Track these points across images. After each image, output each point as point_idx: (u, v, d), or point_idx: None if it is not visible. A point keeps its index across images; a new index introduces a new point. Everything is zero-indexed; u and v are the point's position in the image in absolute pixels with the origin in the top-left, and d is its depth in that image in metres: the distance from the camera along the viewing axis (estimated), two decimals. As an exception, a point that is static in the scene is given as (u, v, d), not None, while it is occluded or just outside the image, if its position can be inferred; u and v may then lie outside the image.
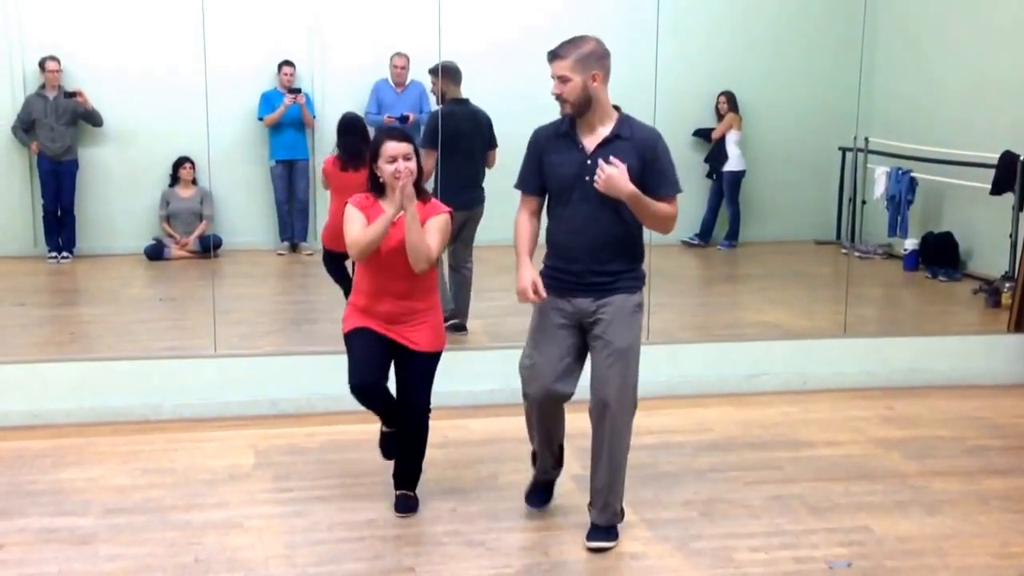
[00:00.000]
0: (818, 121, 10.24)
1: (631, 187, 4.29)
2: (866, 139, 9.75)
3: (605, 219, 4.40)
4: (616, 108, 4.50)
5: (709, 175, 10.69)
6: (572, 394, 4.63)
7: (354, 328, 4.82)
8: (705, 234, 10.59)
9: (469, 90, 7.55)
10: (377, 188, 4.80)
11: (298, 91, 9.60)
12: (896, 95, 10.22)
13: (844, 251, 10.00)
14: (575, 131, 4.48)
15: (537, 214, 4.65)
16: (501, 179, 7.79)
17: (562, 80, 4.38)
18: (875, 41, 8.98)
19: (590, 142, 4.45)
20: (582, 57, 4.36)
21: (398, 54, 9.58)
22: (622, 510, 4.70)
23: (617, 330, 4.46)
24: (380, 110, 9.55)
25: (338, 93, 9.87)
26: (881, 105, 10.10)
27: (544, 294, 4.45)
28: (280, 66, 9.86)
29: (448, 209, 4.84)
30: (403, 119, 9.17)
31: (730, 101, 10.54)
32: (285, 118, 9.71)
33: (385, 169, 4.69)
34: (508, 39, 9.33)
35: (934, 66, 10.13)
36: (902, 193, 9.89)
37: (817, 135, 10.31)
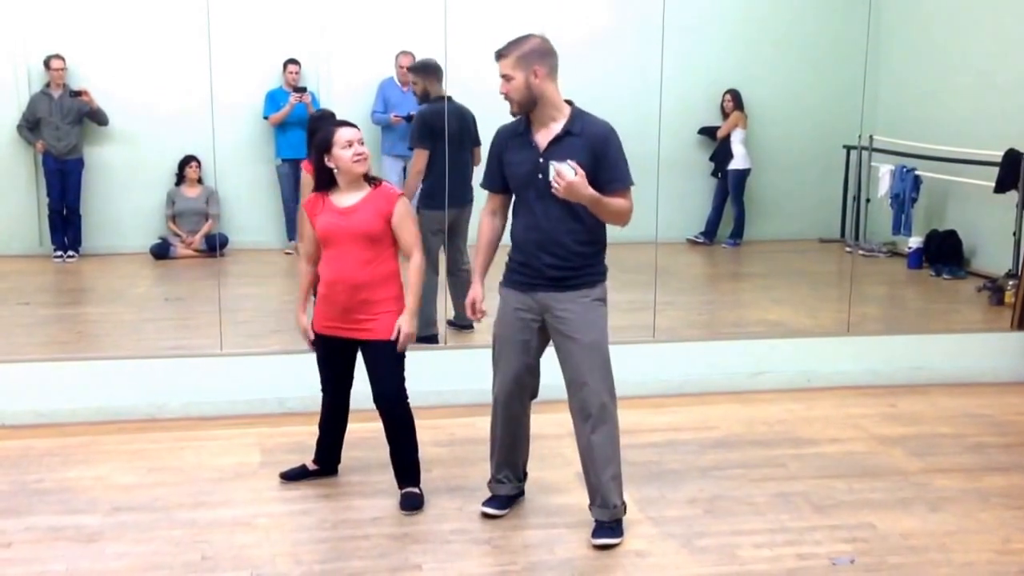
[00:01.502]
0: (823, 119, 10.25)
1: (590, 191, 4.33)
2: (870, 137, 9.75)
3: (561, 216, 4.46)
4: (569, 103, 4.54)
5: (714, 173, 10.70)
6: (536, 389, 4.79)
7: (317, 333, 5.02)
8: (710, 232, 10.60)
9: (474, 89, 7.53)
10: (328, 182, 4.88)
11: (304, 90, 9.62)
12: (900, 93, 10.24)
13: (848, 249, 10.00)
14: (530, 129, 4.55)
15: (499, 212, 4.76)
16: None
17: (506, 79, 4.48)
18: (880, 39, 8.98)
19: (543, 139, 4.51)
20: (523, 55, 4.44)
21: (403, 53, 9.58)
22: (624, 504, 4.71)
23: (582, 326, 4.52)
24: (386, 109, 9.58)
25: (344, 91, 9.90)
26: (885, 103, 10.11)
27: (480, 316, 4.78)
28: (285, 64, 9.89)
29: (400, 191, 4.95)
30: (409, 118, 9.19)
31: (735, 99, 10.55)
32: (291, 117, 9.73)
33: (342, 156, 4.77)
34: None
35: (938, 64, 10.14)
36: (906, 191, 9.90)
37: (822, 133, 10.32)
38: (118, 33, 9.57)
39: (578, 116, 4.51)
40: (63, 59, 9.61)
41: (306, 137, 6.95)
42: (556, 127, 4.49)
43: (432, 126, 7.10)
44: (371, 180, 4.88)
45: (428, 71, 7.25)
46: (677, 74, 7.58)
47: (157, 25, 9.42)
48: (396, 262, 4.93)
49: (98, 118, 9.74)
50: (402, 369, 4.94)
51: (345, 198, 4.85)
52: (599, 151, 4.44)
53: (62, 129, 9.60)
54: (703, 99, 10.61)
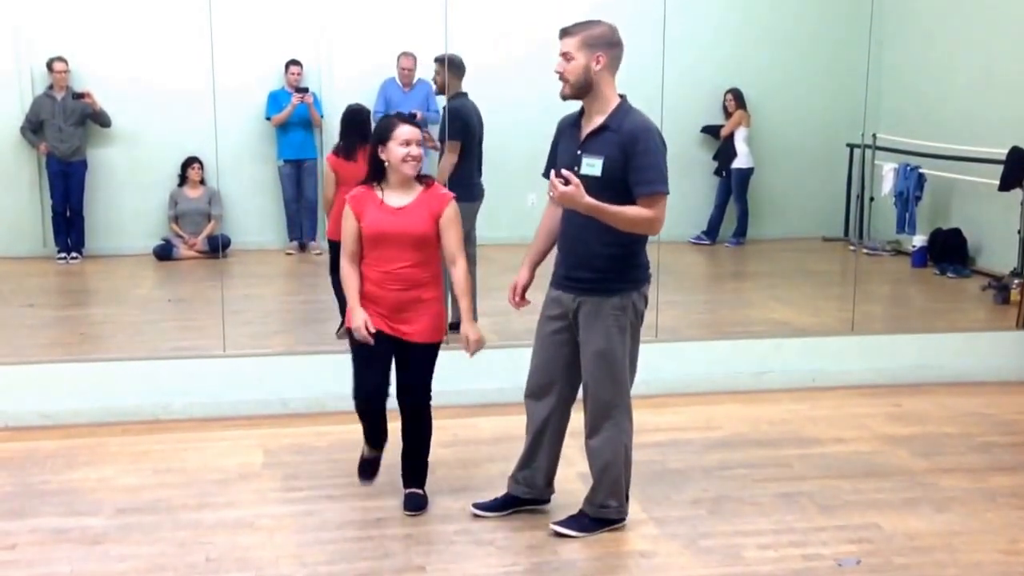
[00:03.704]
0: (826, 118, 10.25)
1: (587, 201, 4.21)
2: (874, 135, 9.74)
3: (588, 217, 4.32)
4: (622, 97, 4.45)
5: (717, 172, 10.70)
6: (567, 395, 4.71)
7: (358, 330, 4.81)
8: (712, 232, 10.59)
9: (477, 90, 7.54)
10: (378, 174, 4.77)
11: (306, 90, 9.63)
12: (904, 91, 10.22)
13: (852, 248, 10.00)
14: (581, 120, 4.48)
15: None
16: (505, 177, 7.81)
17: (565, 57, 4.35)
18: (883, 37, 8.96)
19: (585, 132, 4.43)
20: (590, 38, 4.33)
21: (405, 54, 9.58)
22: (618, 507, 4.69)
23: (588, 334, 4.48)
24: (388, 108, 9.57)
25: (346, 92, 9.87)
26: (889, 101, 10.09)
27: (518, 300, 4.68)
28: (287, 65, 9.88)
29: (452, 194, 4.85)
30: (413, 116, 9.18)
31: (737, 98, 10.55)
32: (293, 117, 9.74)
33: (395, 151, 4.66)
34: (515, 38, 9.34)
35: (942, 62, 10.13)
36: (910, 189, 9.89)
37: (825, 132, 10.32)
38: (121, 35, 9.56)
39: (622, 111, 4.39)
40: (66, 61, 9.60)
41: (340, 127, 7.08)
42: (599, 120, 4.39)
43: (465, 120, 7.13)
44: (422, 179, 4.78)
45: (453, 67, 7.23)
46: (679, 73, 7.57)
47: (159, 26, 9.41)
48: (440, 264, 4.83)
49: (101, 120, 9.73)
50: (432, 372, 4.88)
51: (397, 197, 4.72)
52: (629, 150, 4.31)
53: (65, 131, 9.59)
54: (705, 98, 10.61)
